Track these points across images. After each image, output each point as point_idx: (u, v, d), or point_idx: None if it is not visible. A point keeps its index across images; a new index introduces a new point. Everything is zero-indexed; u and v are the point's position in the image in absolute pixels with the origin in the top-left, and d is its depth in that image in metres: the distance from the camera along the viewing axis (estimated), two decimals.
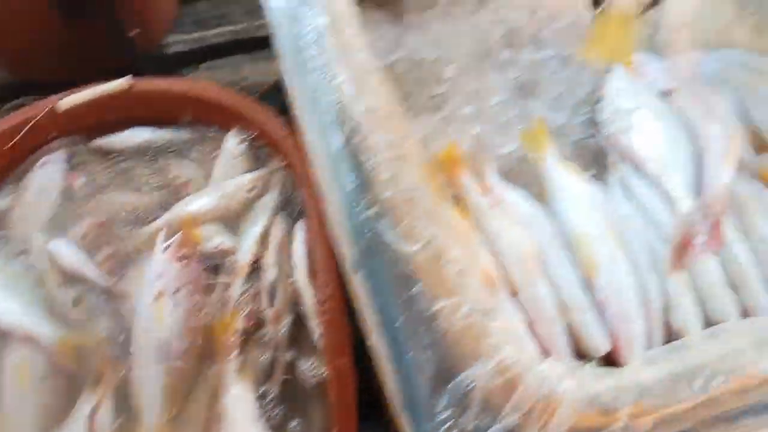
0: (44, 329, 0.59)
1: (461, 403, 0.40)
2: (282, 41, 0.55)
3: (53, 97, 0.71)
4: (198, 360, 0.61)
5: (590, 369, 0.41)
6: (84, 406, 0.55)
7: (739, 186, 0.50)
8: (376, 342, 0.43)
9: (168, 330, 0.60)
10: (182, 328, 0.60)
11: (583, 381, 0.39)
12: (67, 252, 0.64)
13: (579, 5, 0.66)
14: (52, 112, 0.70)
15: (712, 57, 0.59)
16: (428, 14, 0.66)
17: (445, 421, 0.39)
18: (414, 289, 0.43)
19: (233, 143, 0.71)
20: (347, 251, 0.46)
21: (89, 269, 0.64)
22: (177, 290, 0.62)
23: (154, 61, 1.09)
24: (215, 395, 0.58)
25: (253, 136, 0.73)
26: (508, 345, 0.40)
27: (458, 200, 0.52)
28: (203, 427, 0.56)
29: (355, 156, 0.47)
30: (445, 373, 0.41)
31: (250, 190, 0.70)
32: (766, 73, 0.55)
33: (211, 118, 0.75)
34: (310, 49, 0.53)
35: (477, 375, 0.40)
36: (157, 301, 0.61)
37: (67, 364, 0.58)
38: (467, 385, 0.40)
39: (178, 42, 1.13)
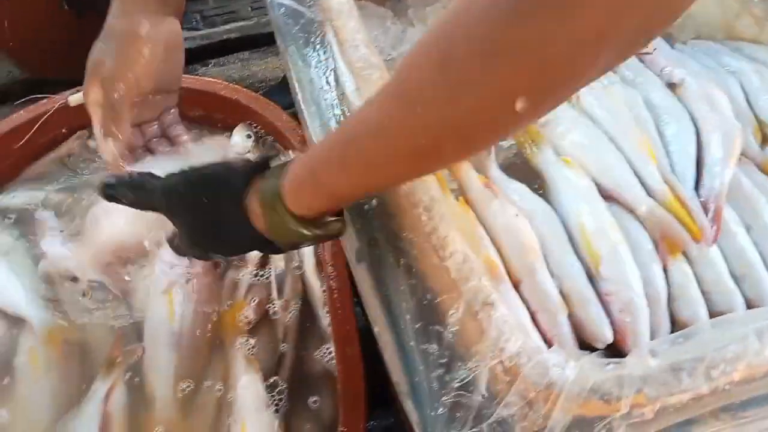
0: (37, 316, 0.60)
1: (464, 392, 0.40)
2: (284, 37, 0.55)
3: (64, 93, 0.72)
4: (209, 348, 0.62)
5: (593, 359, 0.41)
6: (98, 389, 0.56)
7: (743, 178, 0.50)
8: (380, 331, 0.44)
9: (179, 320, 0.61)
10: (192, 318, 0.62)
11: (584, 370, 0.39)
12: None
13: None
14: (64, 108, 0.71)
15: (719, 48, 0.59)
16: (431, 8, 0.66)
17: (449, 409, 0.39)
18: (416, 281, 0.44)
19: (240, 138, 0.72)
20: (350, 242, 0.47)
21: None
22: (187, 281, 0.63)
23: None
24: (226, 383, 0.59)
25: (260, 130, 0.74)
26: (510, 335, 0.40)
27: (461, 193, 0.52)
28: (214, 413, 0.57)
29: None
30: (448, 361, 0.41)
31: None
32: None
33: (219, 113, 0.76)
34: (311, 45, 0.53)
35: (480, 364, 0.40)
36: (167, 292, 0.62)
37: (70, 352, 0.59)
38: (470, 374, 0.40)
39: (186, 39, 1.14)
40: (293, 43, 0.56)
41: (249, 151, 0.71)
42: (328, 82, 0.52)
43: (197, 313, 0.62)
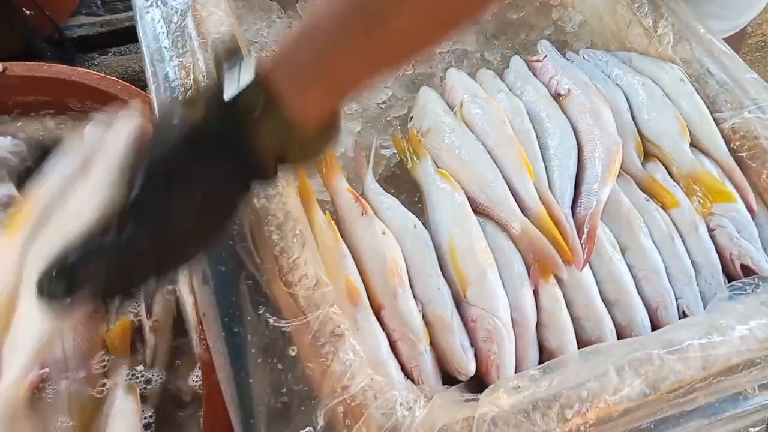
0: None
1: None
2: (143, 27, 0.50)
3: None
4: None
5: (446, 395, 0.38)
6: None
7: (622, 197, 0.48)
8: (219, 365, 0.39)
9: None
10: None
11: (433, 412, 0.36)
12: None
13: None
14: None
15: (610, 59, 0.57)
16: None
17: None
18: (264, 308, 0.39)
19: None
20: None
21: None
22: None
23: (56, 45, 1.01)
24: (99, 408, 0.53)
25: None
26: (358, 371, 0.37)
27: (331, 205, 0.48)
28: None
29: None
30: (288, 402, 0.37)
31: None
32: (656, 78, 0.53)
33: (94, 104, 0.69)
34: (170, 36, 0.48)
35: (323, 403, 0.36)
36: None
37: None
38: (312, 414, 0.36)
39: (84, 25, 1.06)
40: (152, 33, 0.50)
41: None
42: (184, 80, 0.47)
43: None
